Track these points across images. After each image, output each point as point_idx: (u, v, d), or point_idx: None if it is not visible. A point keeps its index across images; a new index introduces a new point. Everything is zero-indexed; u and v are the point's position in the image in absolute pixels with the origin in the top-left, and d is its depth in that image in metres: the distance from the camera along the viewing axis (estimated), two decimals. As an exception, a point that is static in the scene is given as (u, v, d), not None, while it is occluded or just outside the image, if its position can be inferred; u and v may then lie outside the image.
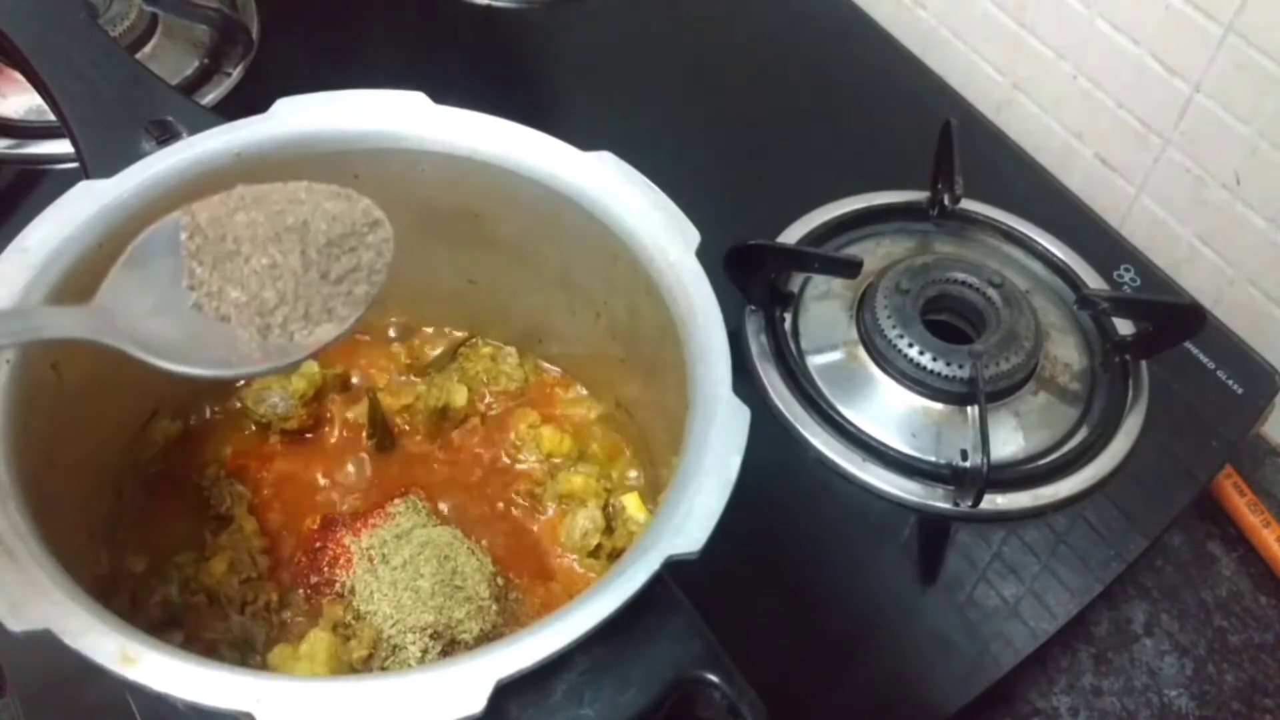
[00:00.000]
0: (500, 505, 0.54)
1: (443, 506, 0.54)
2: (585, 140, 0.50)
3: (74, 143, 0.51)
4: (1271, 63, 0.66)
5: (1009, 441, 0.63)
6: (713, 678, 0.39)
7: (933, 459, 0.62)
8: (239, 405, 0.55)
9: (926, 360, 0.63)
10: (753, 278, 0.65)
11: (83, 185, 0.46)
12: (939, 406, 0.64)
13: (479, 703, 0.35)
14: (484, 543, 0.52)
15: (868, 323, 0.66)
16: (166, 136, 0.49)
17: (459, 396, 0.56)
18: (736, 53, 0.88)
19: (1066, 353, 0.68)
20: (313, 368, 0.55)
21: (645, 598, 0.38)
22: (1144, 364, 0.67)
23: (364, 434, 0.55)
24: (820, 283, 0.70)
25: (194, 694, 0.34)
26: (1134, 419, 0.65)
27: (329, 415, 0.56)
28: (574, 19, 0.89)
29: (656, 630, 0.39)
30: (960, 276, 0.67)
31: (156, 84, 0.53)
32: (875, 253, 0.71)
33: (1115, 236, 0.76)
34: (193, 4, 0.79)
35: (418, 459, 0.55)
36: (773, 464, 0.61)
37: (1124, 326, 0.69)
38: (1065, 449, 0.64)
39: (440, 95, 0.51)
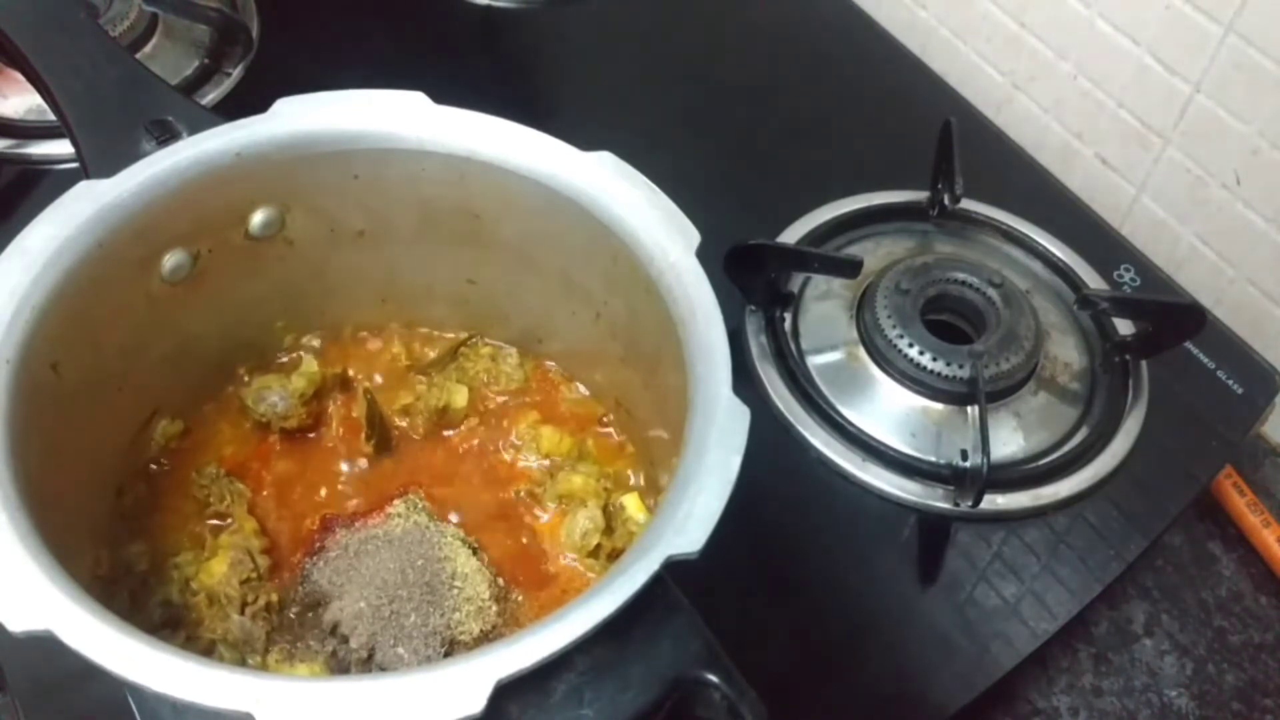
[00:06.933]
0: (500, 505, 0.54)
1: (442, 507, 0.54)
2: (585, 140, 0.50)
3: (74, 143, 0.51)
4: (1271, 63, 0.66)
5: (1009, 441, 0.63)
6: (713, 678, 0.39)
7: (933, 459, 0.62)
8: (239, 405, 0.55)
9: (926, 360, 0.63)
10: (753, 278, 0.65)
11: (83, 185, 0.46)
12: (939, 406, 0.64)
13: (479, 703, 0.35)
14: (484, 543, 0.52)
15: (868, 323, 0.66)
16: (166, 136, 0.49)
17: (459, 396, 0.56)
18: (736, 53, 0.88)
19: (1066, 353, 0.68)
20: (313, 367, 0.55)
21: (645, 598, 0.37)
22: (1144, 364, 0.67)
23: (363, 434, 0.55)
24: (820, 283, 0.70)
25: (194, 694, 0.34)
26: (1134, 419, 0.65)
27: (329, 415, 0.56)
28: (574, 19, 0.89)
29: (656, 630, 0.39)
30: (960, 276, 0.67)
31: (156, 84, 0.53)
32: (875, 253, 0.71)
33: (1115, 236, 0.76)
34: (193, 4, 0.79)
35: (418, 459, 0.55)
36: (773, 464, 0.61)
37: (1124, 326, 0.69)
38: (1065, 449, 0.64)
39: (440, 95, 0.51)
